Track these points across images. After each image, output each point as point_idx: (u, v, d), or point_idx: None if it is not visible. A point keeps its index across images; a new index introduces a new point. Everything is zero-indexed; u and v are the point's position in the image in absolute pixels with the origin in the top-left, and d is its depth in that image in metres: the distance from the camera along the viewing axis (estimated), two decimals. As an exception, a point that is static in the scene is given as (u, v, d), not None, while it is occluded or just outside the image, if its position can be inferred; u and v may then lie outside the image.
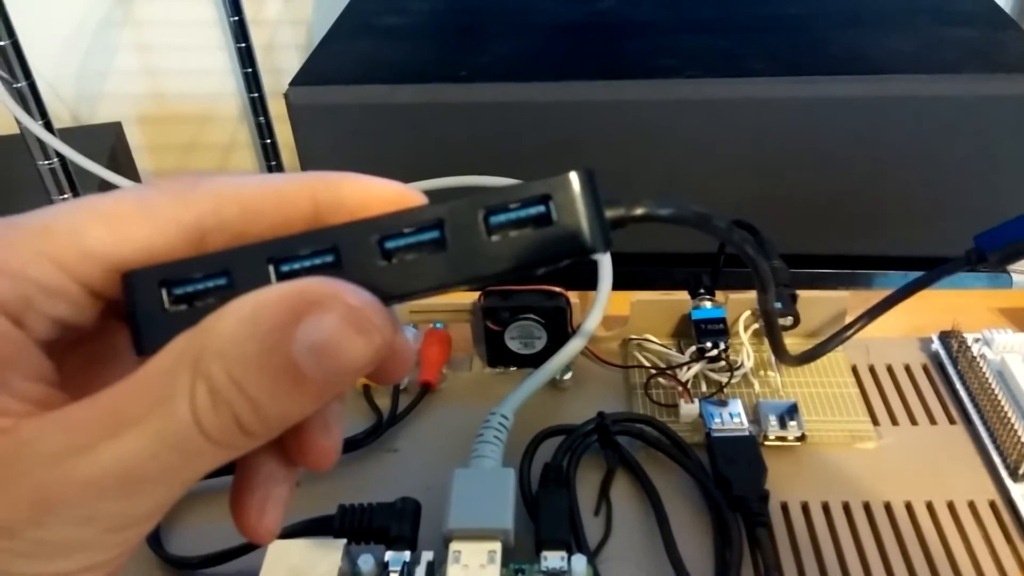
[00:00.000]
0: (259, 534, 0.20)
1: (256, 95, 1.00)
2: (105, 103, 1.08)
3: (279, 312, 0.16)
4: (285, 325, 0.16)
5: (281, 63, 1.06)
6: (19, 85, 0.65)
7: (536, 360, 0.44)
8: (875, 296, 0.51)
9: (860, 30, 0.70)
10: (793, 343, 0.45)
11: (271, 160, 1.06)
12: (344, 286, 0.16)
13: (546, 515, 0.36)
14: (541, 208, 0.18)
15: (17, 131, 0.81)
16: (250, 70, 0.98)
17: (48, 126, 0.66)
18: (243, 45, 0.96)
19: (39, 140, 0.66)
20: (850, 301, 0.45)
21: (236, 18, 0.95)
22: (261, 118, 1.02)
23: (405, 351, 0.21)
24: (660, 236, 0.67)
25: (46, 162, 0.68)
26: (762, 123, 0.62)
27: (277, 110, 1.03)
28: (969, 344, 0.43)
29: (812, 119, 0.63)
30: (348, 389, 0.17)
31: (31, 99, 0.66)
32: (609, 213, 0.19)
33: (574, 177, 0.18)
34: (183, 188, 0.19)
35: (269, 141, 1.05)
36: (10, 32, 0.64)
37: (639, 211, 0.19)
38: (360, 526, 0.36)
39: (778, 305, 0.43)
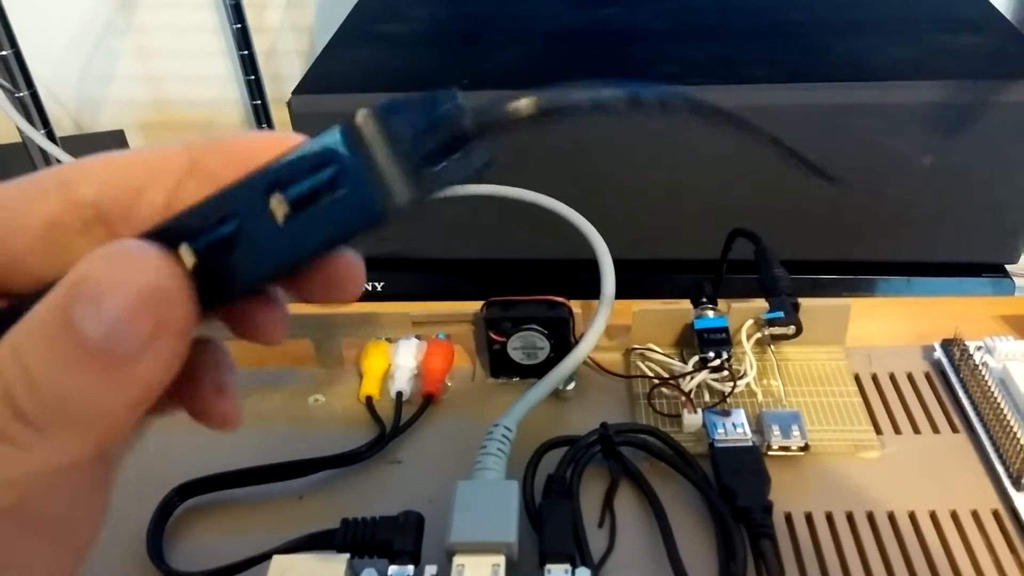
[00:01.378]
0: (225, 415, 0.19)
1: (259, 102, 1.00)
2: (107, 109, 1.09)
3: (68, 278, 0.14)
4: (68, 288, 0.14)
5: (283, 69, 1.06)
6: (21, 94, 0.65)
7: (539, 370, 0.44)
8: (879, 303, 0.51)
9: (862, 37, 0.70)
10: (795, 351, 0.45)
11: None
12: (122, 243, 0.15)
13: (550, 527, 0.36)
14: (329, 171, 0.15)
15: (18, 139, 0.81)
16: (253, 77, 0.98)
17: (51, 135, 0.66)
18: (245, 52, 0.97)
19: (41, 150, 0.66)
20: (853, 308, 0.45)
21: (239, 25, 0.95)
22: (264, 125, 1.02)
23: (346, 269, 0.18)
24: (662, 243, 0.67)
25: (49, 172, 0.68)
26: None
27: (279, 116, 1.03)
28: (971, 352, 0.43)
29: (814, 126, 0.63)
30: (174, 362, 0.15)
31: (33, 108, 0.66)
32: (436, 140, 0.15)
33: (361, 119, 0.15)
34: (42, 181, 0.17)
35: (271, 147, 1.05)
36: (12, 41, 0.64)
37: (525, 109, 0.16)
38: (363, 540, 0.36)
39: (780, 314, 0.43)
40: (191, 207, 0.16)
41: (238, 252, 0.16)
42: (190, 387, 0.18)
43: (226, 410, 0.19)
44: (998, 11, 0.72)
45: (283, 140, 0.17)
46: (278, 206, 0.15)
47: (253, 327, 0.19)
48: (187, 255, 0.16)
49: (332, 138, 0.15)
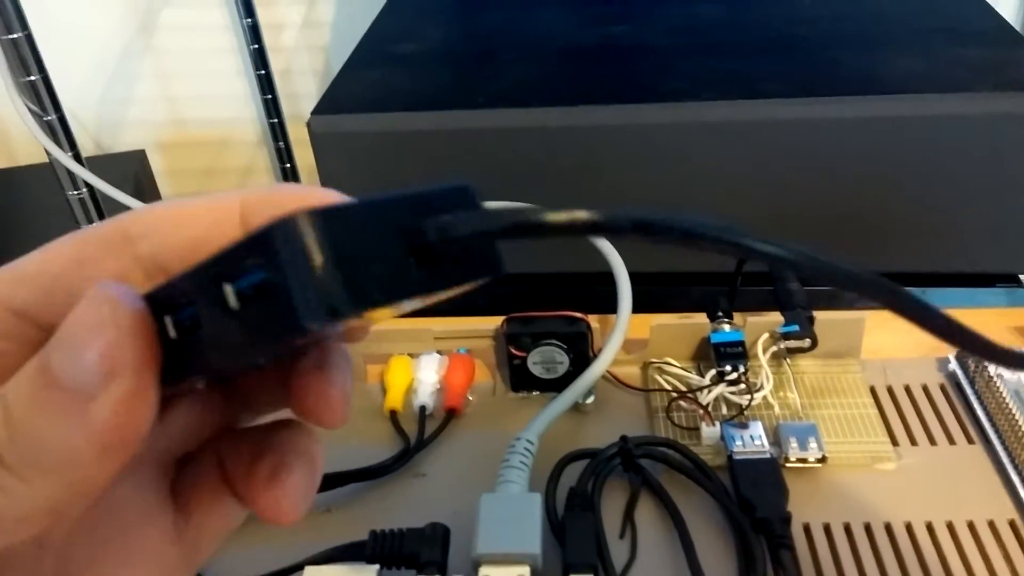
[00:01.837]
0: (272, 508, 0.19)
1: (275, 120, 1.02)
2: (127, 130, 1.10)
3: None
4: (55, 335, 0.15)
5: (299, 88, 1.07)
6: (49, 118, 0.66)
7: (558, 384, 0.45)
8: (894, 315, 0.52)
9: (872, 50, 0.70)
10: (811, 364, 0.46)
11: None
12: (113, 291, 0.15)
13: (573, 539, 0.37)
14: (261, 273, 0.14)
15: (40, 160, 0.82)
16: (269, 96, 1.00)
17: (77, 157, 0.68)
18: (262, 72, 0.98)
19: (68, 171, 0.68)
20: (868, 321, 0.45)
21: (256, 46, 0.96)
22: (280, 143, 1.04)
23: (329, 394, 0.18)
24: (676, 255, 0.68)
25: (75, 192, 0.69)
26: (775, 144, 0.63)
27: (296, 134, 1.05)
28: (986, 364, 0.44)
29: (825, 139, 0.64)
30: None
31: (60, 131, 0.67)
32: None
33: (300, 222, 0.14)
34: (110, 237, 0.18)
35: (288, 165, 1.06)
36: (40, 67, 0.66)
37: (495, 224, 0.15)
38: (392, 551, 0.37)
39: (795, 328, 0.44)
40: (181, 274, 0.16)
41: (202, 334, 0.15)
42: (246, 471, 0.19)
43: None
44: (1007, 22, 0.73)
45: (328, 196, 0.17)
46: (229, 296, 0.14)
47: (304, 408, 0.18)
48: (168, 324, 0.16)
49: (264, 236, 0.14)
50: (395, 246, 0.15)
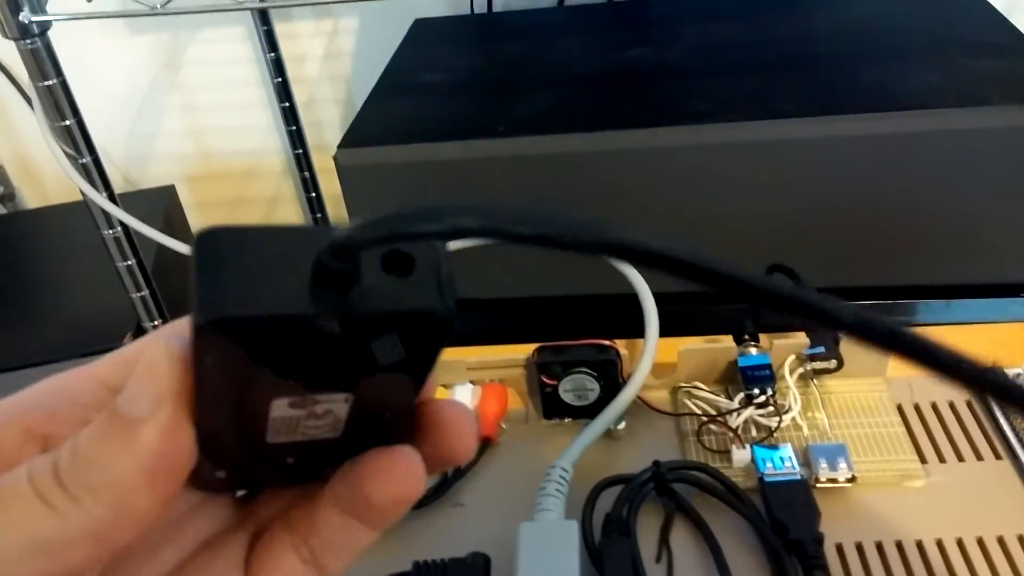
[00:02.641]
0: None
1: (300, 151, 1.04)
2: (155, 164, 1.13)
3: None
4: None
5: (322, 117, 1.09)
6: (84, 160, 0.68)
7: (590, 411, 0.46)
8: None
9: (889, 66, 0.71)
10: (838, 384, 0.46)
11: (316, 212, 1.09)
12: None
13: (611, 565, 0.38)
14: None
15: (71, 198, 0.85)
16: (294, 127, 1.02)
17: (112, 197, 0.70)
18: (286, 104, 1.00)
19: (103, 210, 0.70)
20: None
21: (279, 79, 0.98)
22: (306, 172, 1.06)
23: (454, 419, 0.20)
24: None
25: (110, 231, 0.71)
26: (796, 163, 0.64)
27: (320, 163, 1.06)
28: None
29: (846, 157, 0.64)
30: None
31: (95, 172, 0.69)
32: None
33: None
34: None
35: (314, 194, 1.08)
36: (74, 111, 0.68)
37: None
38: (434, 581, 0.38)
39: (821, 349, 0.45)
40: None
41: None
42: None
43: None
44: (1022, 34, 0.73)
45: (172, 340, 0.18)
46: None
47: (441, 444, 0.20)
48: None
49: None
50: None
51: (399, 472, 0.20)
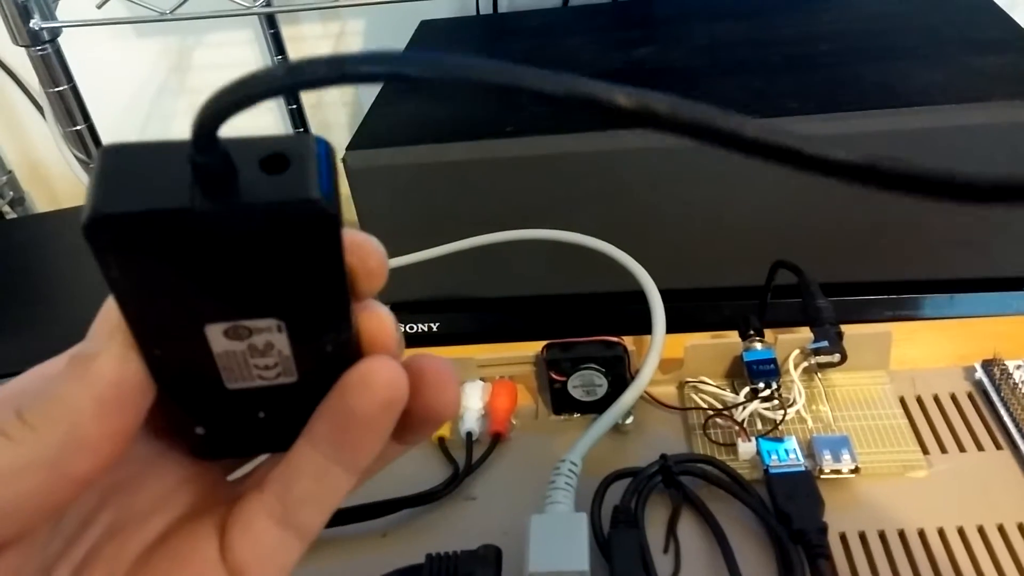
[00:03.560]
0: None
1: (308, 152, 1.05)
2: (164, 167, 1.14)
3: None
4: None
5: (330, 119, 1.10)
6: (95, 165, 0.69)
7: (598, 406, 0.47)
8: (920, 327, 0.53)
9: (891, 63, 0.72)
10: (841, 378, 0.47)
11: (324, 212, 1.10)
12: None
13: (619, 555, 0.39)
14: None
15: (82, 201, 0.85)
16: (302, 129, 1.03)
17: (124, 201, 0.71)
18: (294, 106, 1.01)
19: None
20: (895, 333, 0.47)
21: (286, 82, 0.99)
22: (313, 174, 1.07)
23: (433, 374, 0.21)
24: (705, 271, 0.69)
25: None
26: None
27: (327, 165, 1.07)
28: (1011, 371, 0.45)
29: (850, 152, 0.65)
30: None
31: (108, 177, 0.70)
32: None
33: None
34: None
35: (322, 195, 1.09)
36: (85, 116, 0.69)
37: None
38: (447, 573, 0.39)
39: (825, 343, 0.46)
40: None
41: None
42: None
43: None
44: (1023, 29, 0.74)
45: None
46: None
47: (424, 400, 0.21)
48: None
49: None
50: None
51: (383, 373, 0.20)
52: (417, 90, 0.79)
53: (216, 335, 0.19)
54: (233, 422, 0.21)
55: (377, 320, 0.21)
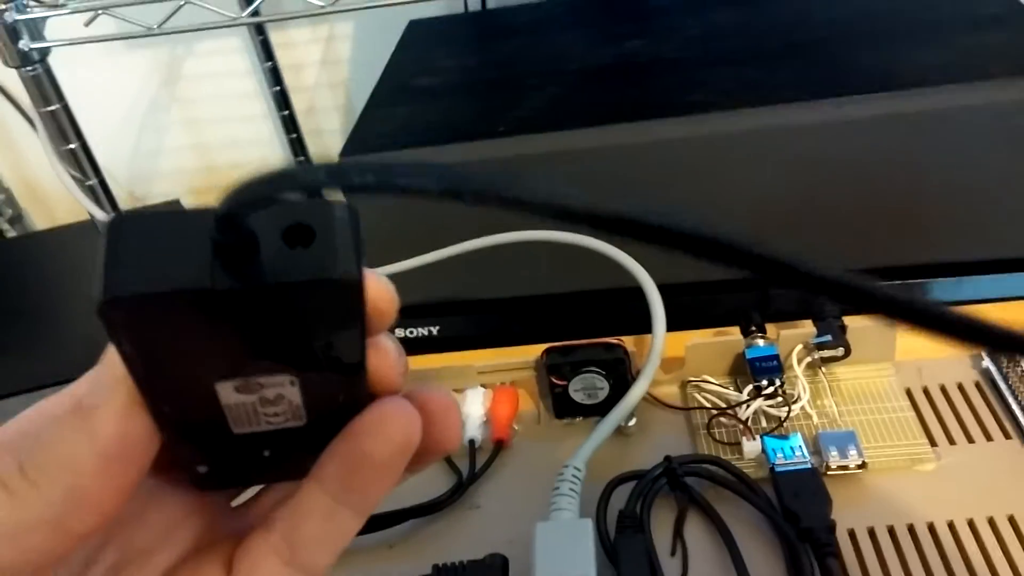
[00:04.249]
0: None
1: (302, 158, 1.04)
2: (159, 179, 1.13)
3: None
4: None
5: (322, 124, 1.10)
6: (90, 183, 0.69)
7: (600, 409, 0.46)
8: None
9: (888, 46, 0.71)
10: (846, 371, 0.47)
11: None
12: None
13: (626, 561, 0.38)
14: None
15: (79, 218, 0.85)
16: (294, 135, 1.02)
17: (119, 217, 0.70)
18: (286, 113, 1.01)
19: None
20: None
21: (277, 88, 0.99)
22: (308, 180, 1.06)
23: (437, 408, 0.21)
24: (704, 266, 0.69)
25: (119, 251, 0.72)
26: (801, 148, 0.64)
27: (323, 170, 1.07)
28: (1019, 359, 0.45)
29: (850, 139, 0.64)
30: None
31: (101, 194, 0.70)
32: None
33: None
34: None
35: (318, 201, 1.09)
36: (78, 134, 0.68)
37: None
38: (454, 585, 0.38)
39: (828, 337, 0.45)
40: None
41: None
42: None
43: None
44: (1021, 4, 0.73)
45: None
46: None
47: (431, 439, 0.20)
48: None
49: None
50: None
51: (398, 418, 0.19)
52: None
53: (227, 390, 0.18)
54: (237, 461, 0.21)
55: (385, 356, 0.20)
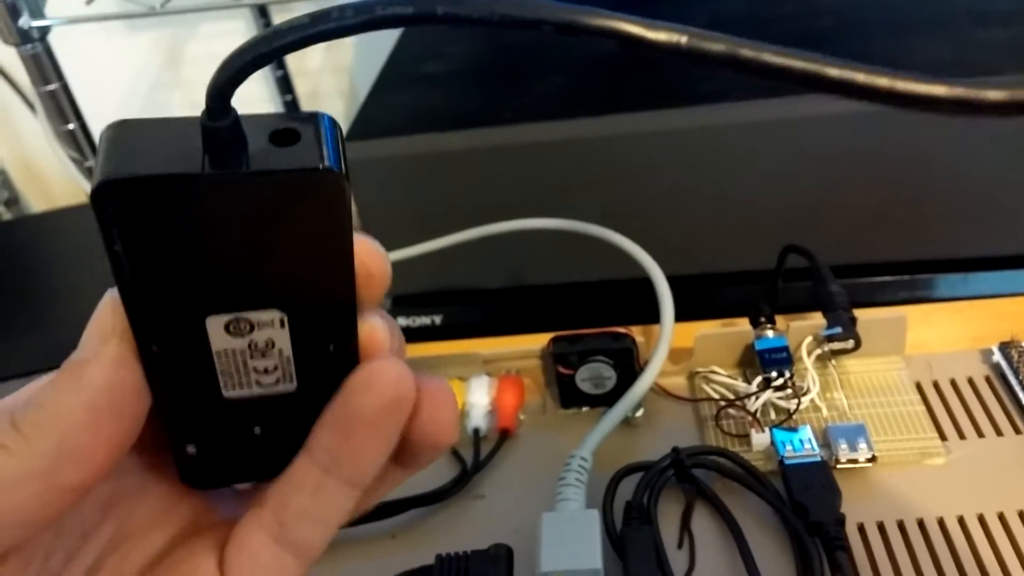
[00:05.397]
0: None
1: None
2: (160, 162, 1.13)
3: None
4: None
5: (326, 109, 1.08)
6: (89, 163, 0.68)
7: (607, 399, 0.46)
8: (935, 309, 0.52)
9: (898, 38, 0.70)
10: (856, 364, 0.46)
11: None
12: None
13: (633, 553, 0.38)
14: None
15: (78, 200, 0.85)
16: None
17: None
18: (289, 97, 1.00)
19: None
20: (910, 316, 0.46)
21: (280, 72, 0.98)
22: (310, 165, 1.06)
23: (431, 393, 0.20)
24: (713, 256, 0.68)
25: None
26: (807, 140, 0.64)
27: (325, 155, 1.06)
28: (1027, 355, 0.44)
29: (858, 131, 0.64)
30: None
31: (102, 175, 0.69)
32: None
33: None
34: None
35: (320, 186, 1.08)
36: (78, 115, 0.68)
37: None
38: (458, 574, 0.38)
39: (838, 330, 0.45)
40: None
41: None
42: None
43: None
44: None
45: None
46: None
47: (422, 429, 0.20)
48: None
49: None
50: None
51: (389, 371, 0.19)
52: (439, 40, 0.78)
53: (217, 329, 0.19)
54: (227, 440, 0.21)
55: (380, 331, 0.20)
